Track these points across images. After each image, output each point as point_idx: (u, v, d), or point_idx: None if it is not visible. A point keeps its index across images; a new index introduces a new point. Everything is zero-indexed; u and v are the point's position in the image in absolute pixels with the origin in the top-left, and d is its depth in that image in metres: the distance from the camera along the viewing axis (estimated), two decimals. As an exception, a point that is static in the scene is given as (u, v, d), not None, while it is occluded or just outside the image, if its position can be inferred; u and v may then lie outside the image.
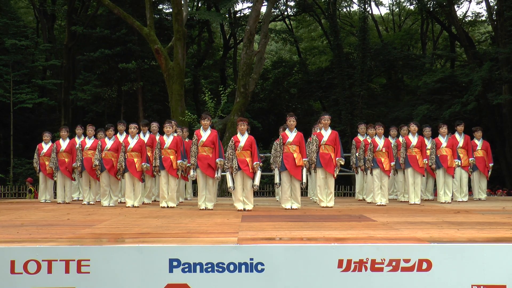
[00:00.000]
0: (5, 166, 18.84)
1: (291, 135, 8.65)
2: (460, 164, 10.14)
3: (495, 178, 15.30)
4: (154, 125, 10.40)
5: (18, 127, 19.64)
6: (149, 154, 9.42)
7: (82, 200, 10.25)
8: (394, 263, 4.37)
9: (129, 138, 9.34)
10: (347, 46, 25.33)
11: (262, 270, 4.37)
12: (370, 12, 26.47)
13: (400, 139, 10.20)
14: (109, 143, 9.55)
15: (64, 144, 10.37)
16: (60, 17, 24.50)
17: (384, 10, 38.30)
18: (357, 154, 10.32)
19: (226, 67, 26.68)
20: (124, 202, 9.47)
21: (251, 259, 4.38)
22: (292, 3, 25.96)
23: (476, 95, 17.04)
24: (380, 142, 9.48)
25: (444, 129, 10.06)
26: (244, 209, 8.19)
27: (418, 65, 22.53)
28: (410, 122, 10.11)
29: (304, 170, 8.63)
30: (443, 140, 9.96)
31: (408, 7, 27.31)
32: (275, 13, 25.05)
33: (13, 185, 16.74)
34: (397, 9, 28.83)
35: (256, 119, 21.97)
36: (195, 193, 11.47)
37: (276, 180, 8.61)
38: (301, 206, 8.70)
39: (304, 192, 11.88)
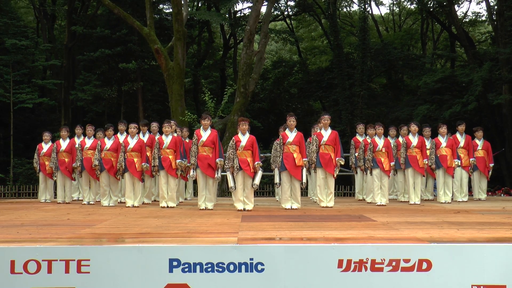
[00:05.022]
0: (5, 166, 18.82)
1: (291, 135, 8.65)
2: (460, 164, 10.15)
3: (495, 178, 15.29)
4: (154, 125, 10.41)
5: (18, 127, 19.62)
6: (148, 154, 9.43)
7: (82, 200, 10.26)
8: (394, 263, 4.37)
9: (129, 138, 9.36)
10: (347, 46, 25.30)
11: (262, 270, 4.38)
12: (370, 12, 26.46)
13: (400, 139, 10.20)
14: (108, 143, 9.56)
15: (64, 144, 10.38)
16: (60, 17, 24.48)
17: (384, 10, 38.25)
18: (356, 154, 10.33)
19: (226, 67, 26.65)
20: (124, 202, 9.48)
21: (251, 259, 4.38)
22: (292, 3, 25.95)
23: (476, 95, 17.02)
24: (380, 142, 9.48)
25: (443, 129, 10.06)
26: (244, 209, 8.19)
27: (418, 65, 22.49)
28: (411, 122, 10.12)
29: (304, 170, 8.64)
30: (442, 140, 9.97)
31: (408, 7, 27.30)
32: (275, 13, 25.03)
33: (13, 185, 16.74)
34: (397, 9, 28.82)
35: (256, 119, 21.94)
36: (195, 193, 11.48)
37: (276, 180, 8.61)
38: (301, 206, 8.70)
39: (304, 192, 11.88)
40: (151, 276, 4.35)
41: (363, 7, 22.96)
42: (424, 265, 4.38)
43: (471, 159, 10.54)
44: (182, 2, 17.17)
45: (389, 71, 24.89)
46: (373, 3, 27.64)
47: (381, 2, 28.46)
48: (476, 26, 26.72)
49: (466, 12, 40.81)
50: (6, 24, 19.53)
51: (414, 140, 9.77)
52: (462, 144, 10.52)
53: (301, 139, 8.69)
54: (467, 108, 17.18)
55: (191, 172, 8.65)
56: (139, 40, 19.96)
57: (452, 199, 9.97)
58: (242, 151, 8.26)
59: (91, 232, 5.55)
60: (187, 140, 10.36)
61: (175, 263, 4.37)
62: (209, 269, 4.36)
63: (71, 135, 10.80)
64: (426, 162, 9.70)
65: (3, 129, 19.78)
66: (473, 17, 26.04)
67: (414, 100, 21.50)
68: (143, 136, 10.07)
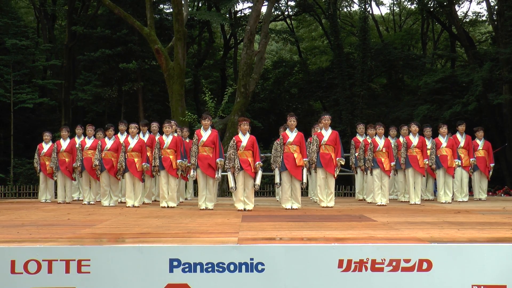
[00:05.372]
0: (6, 166, 18.82)
1: (292, 135, 8.65)
2: (460, 164, 10.15)
3: (495, 178, 15.28)
4: (154, 125, 10.41)
5: (18, 127, 19.62)
6: (148, 154, 9.43)
7: (82, 200, 10.26)
8: (394, 263, 4.37)
9: (129, 138, 9.36)
10: (347, 46, 25.30)
11: (262, 270, 4.38)
12: (370, 12, 26.46)
13: (400, 139, 10.21)
14: (109, 143, 9.56)
15: (64, 144, 10.38)
16: (60, 17, 24.49)
17: (384, 10, 38.31)
18: (356, 154, 10.33)
19: (226, 67, 26.65)
20: (124, 202, 9.48)
21: (251, 259, 4.38)
22: (292, 3, 25.95)
23: (477, 95, 17.02)
24: (381, 142, 9.48)
25: (444, 129, 10.06)
26: (245, 209, 8.19)
27: (418, 65, 22.50)
28: (411, 123, 10.12)
29: (305, 170, 8.64)
30: (443, 140, 9.97)
31: (409, 7, 27.30)
32: (275, 13, 25.03)
33: (14, 185, 16.74)
34: (398, 9, 28.83)
35: (257, 119, 21.94)
36: (195, 193, 11.48)
37: (277, 180, 8.61)
38: (301, 206, 8.70)
39: (304, 192, 11.88)
40: (152, 276, 4.35)
41: (363, 7, 22.96)
42: (425, 265, 4.37)
43: (471, 159, 10.54)
44: (183, 2, 17.18)
45: (389, 71, 24.89)
46: (373, 3, 27.67)
47: (381, 2, 28.46)
48: (477, 26, 26.72)
49: (467, 12, 40.86)
50: (7, 24, 19.54)
51: (414, 140, 9.77)
52: (462, 144, 10.52)
53: (301, 139, 8.69)
54: (467, 108, 17.18)
55: (192, 172, 8.65)
56: (139, 40, 19.97)
57: (452, 199, 9.96)
58: (243, 151, 8.26)
59: (92, 232, 5.55)
60: (187, 140, 10.37)
61: (175, 263, 4.37)
62: (210, 269, 4.36)
63: (72, 135, 10.80)
64: (427, 162, 9.69)
65: (4, 129, 19.79)
66: (474, 17, 26.06)
67: (414, 100, 21.49)
68: (143, 136, 10.07)
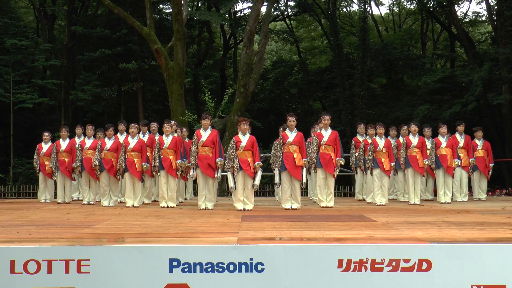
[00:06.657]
0: (5, 166, 18.82)
1: (291, 135, 8.65)
2: (460, 164, 10.15)
3: (495, 178, 15.29)
4: (154, 125, 10.41)
5: (18, 127, 19.62)
6: (148, 154, 9.43)
7: (82, 200, 10.25)
8: (394, 263, 4.37)
9: (129, 138, 9.36)
10: (347, 46, 25.31)
11: (262, 270, 4.37)
12: (370, 12, 26.47)
13: (400, 139, 10.20)
14: (109, 143, 9.56)
15: (64, 144, 10.38)
16: (60, 17, 24.49)
17: (384, 10, 38.27)
18: (356, 154, 10.33)
19: (226, 67, 26.65)
20: (124, 202, 9.48)
21: (251, 259, 4.38)
22: (292, 3, 25.96)
23: (476, 95, 17.04)
24: (381, 142, 9.48)
25: (444, 129, 10.06)
26: (244, 209, 8.19)
27: (418, 65, 22.51)
28: (411, 123, 10.12)
29: (304, 170, 8.64)
30: (443, 140, 9.97)
31: (408, 7, 27.31)
32: (275, 13, 25.04)
33: (13, 185, 16.74)
34: (397, 9, 28.84)
35: (256, 119, 21.94)
36: (195, 193, 11.48)
37: (276, 180, 8.61)
38: (301, 206, 8.70)
39: (304, 192, 11.87)
40: (151, 276, 4.35)
41: (363, 7, 22.98)
42: (424, 265, 4.37)
43: (470, 159, 10.54)
44: (182, 2, 17.17)
45: (389, 71, 24.91)
46: (373, 3, 27.67)
47: (381, 2, 28.48)
48: (476, 26, 26.73)
49: (466, 12, 40.76)
50: (6, 24, 19.54)
51: (414, 140, 9.77)
52: (461, 144, 10.52)
53: (301, 139, 8.69)
54: (467, 108, 17.20)
55: (191, 172, 8.65)
56: (139, 40, 19.96)
57: (452, 199, 9.96)
58: (243, 151, 8.26)
59: (91, 232, 5.55)
60: (186, 140, 10.37)
61: (175, 263, 4.37)
62: (209, 269, 4.36)
63: (71, 135, 10.80)
64: (426, 162, 9.70)
65: (3, 129, 19.79)
66: (473, 17, 26.07)
67: (414, 100, 21.51)
68: (143, 136, 10.07)
